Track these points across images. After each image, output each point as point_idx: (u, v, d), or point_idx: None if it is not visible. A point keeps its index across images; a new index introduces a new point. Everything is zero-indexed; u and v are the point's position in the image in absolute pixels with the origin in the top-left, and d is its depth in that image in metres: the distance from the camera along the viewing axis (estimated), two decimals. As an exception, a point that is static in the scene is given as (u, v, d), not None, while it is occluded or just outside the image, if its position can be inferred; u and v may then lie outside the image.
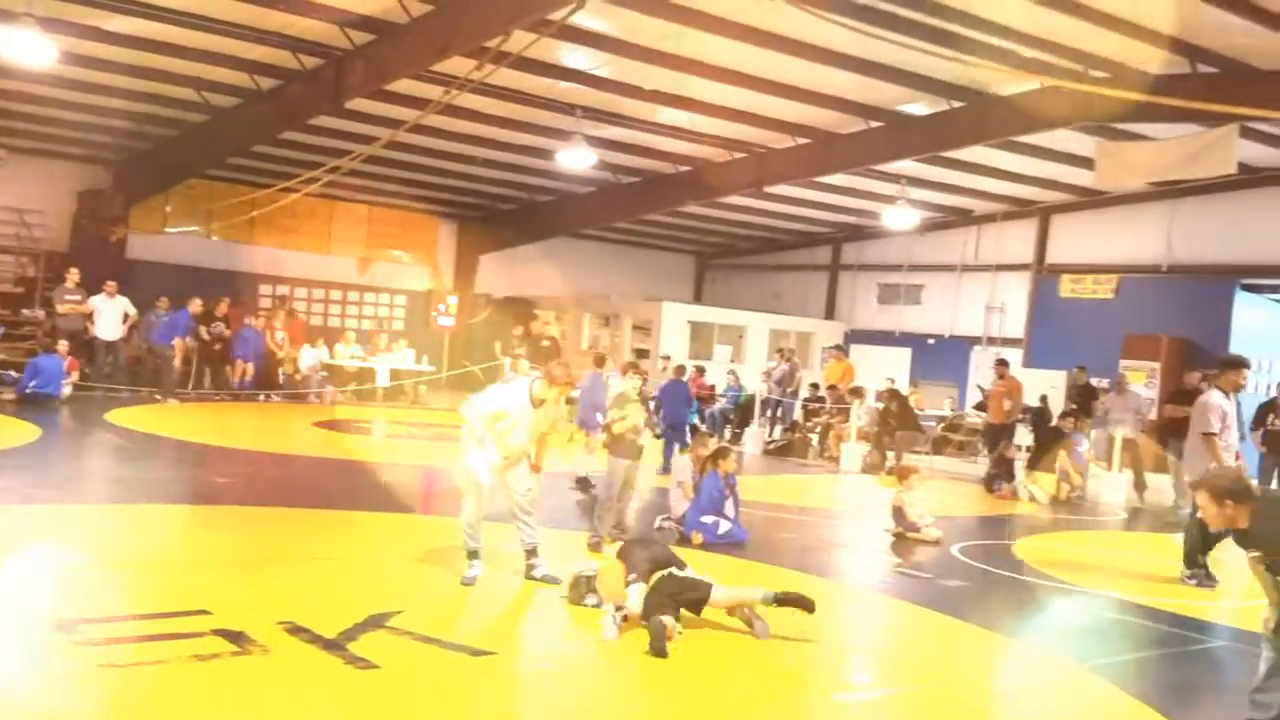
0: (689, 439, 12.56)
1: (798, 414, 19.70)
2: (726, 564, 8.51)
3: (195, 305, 18.79)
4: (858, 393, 18.03)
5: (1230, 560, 8.94)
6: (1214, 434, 9.08)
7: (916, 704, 5.95)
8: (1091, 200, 21.02)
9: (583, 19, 12.01)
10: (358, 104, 15.41)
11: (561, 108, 16.19)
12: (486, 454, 7.35)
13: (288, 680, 5.27)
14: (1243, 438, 11.89)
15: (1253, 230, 18.68)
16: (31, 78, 15.02)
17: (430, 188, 23.08)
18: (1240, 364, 9.72)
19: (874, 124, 16.35)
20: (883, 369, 21.63)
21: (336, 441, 15.65)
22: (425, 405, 21.26)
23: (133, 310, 18.43)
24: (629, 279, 27.61)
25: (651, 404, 14.07)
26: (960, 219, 23.50)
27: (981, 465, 16.76)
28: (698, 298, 29.19)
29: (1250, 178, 17.85)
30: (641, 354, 23.13)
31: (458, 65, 13.23)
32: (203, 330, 19.37)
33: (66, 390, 16.62)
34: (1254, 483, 5.88)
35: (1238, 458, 9.93)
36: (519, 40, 12.01)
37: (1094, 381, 17.66)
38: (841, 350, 22.42)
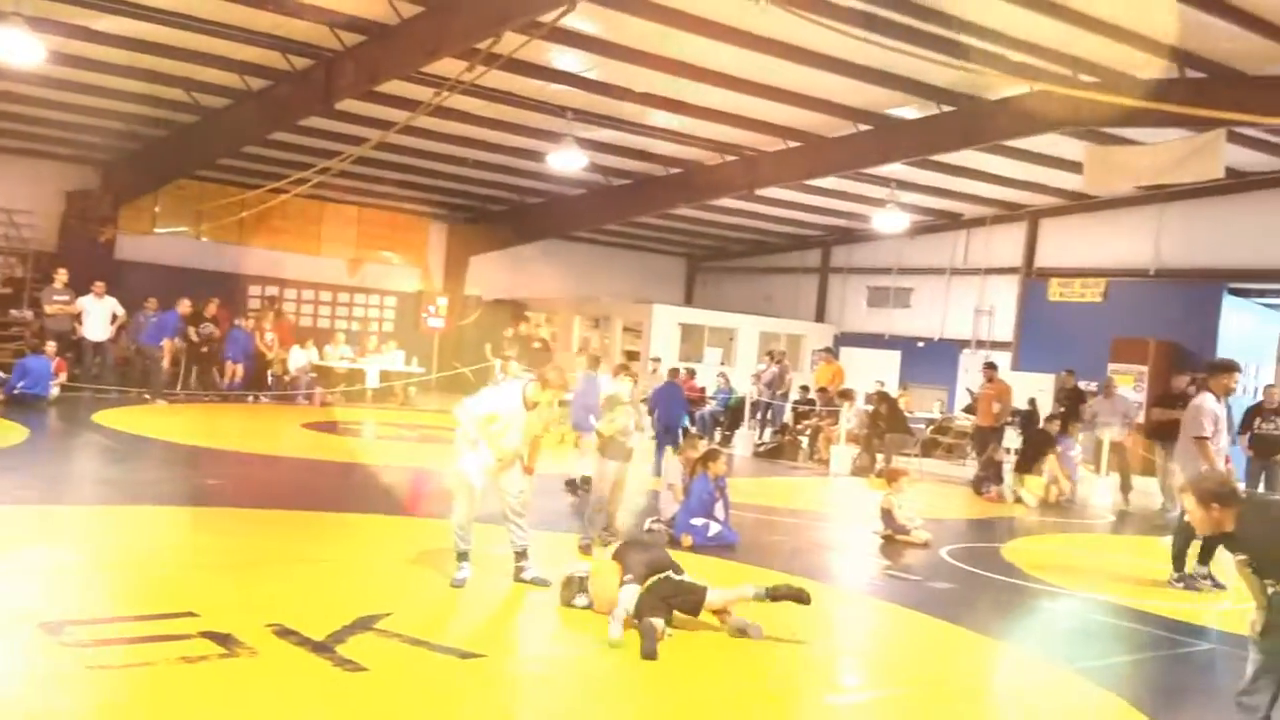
0: (680, 440, 12.55)
1: (788, 416, 19.71)
2: (716, 566, 8.49)
3: (184, 306, 18.73)
4: (847, 395, 18.03)
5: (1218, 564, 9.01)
6: (1207, 438, 9.12)
7: (906, 707, 5.96)
8: (1080, 204, 21.09)
9: (573, 21, 12.02)
10: (348, 105, 15.37)
11: (552, 110, 16.18)
12: (480, 456, 7.35)
13: (275, 682, 5.26)
14: (1232, 442, 11.95)
15: (1240, 235, 18.74)
16: (20, 77, 14.96)
17: (420, 189, 23.06)
18: (1231, 368, 9.77)
19: (864, 127, 16.37)
20: (872, 372, 21.67)
21: (325, 443, 15.61)
22: (415, 407, 21.23)
23: (121, 311, 18.40)
24: (620, 281, 27.61)
25: (644, 406, 14.05)
26: (950, 222, 23.56)
27: (970, 468, 16.81)
28: (688, 300, 29.21)
29: (1238, 182, 17.89)
30: (632, 356, 23.11)
31: (448, 67, 13.21)
32: (191, 331, 19.34)
33: (54, 391, 16.56)
34: (1240, 486, 5.90)
35: (1227, 461, 10.00)
36: (509, 42, 12.00)
37: (1082, 385, 17.73)
38: (831, 353, 22.43)
